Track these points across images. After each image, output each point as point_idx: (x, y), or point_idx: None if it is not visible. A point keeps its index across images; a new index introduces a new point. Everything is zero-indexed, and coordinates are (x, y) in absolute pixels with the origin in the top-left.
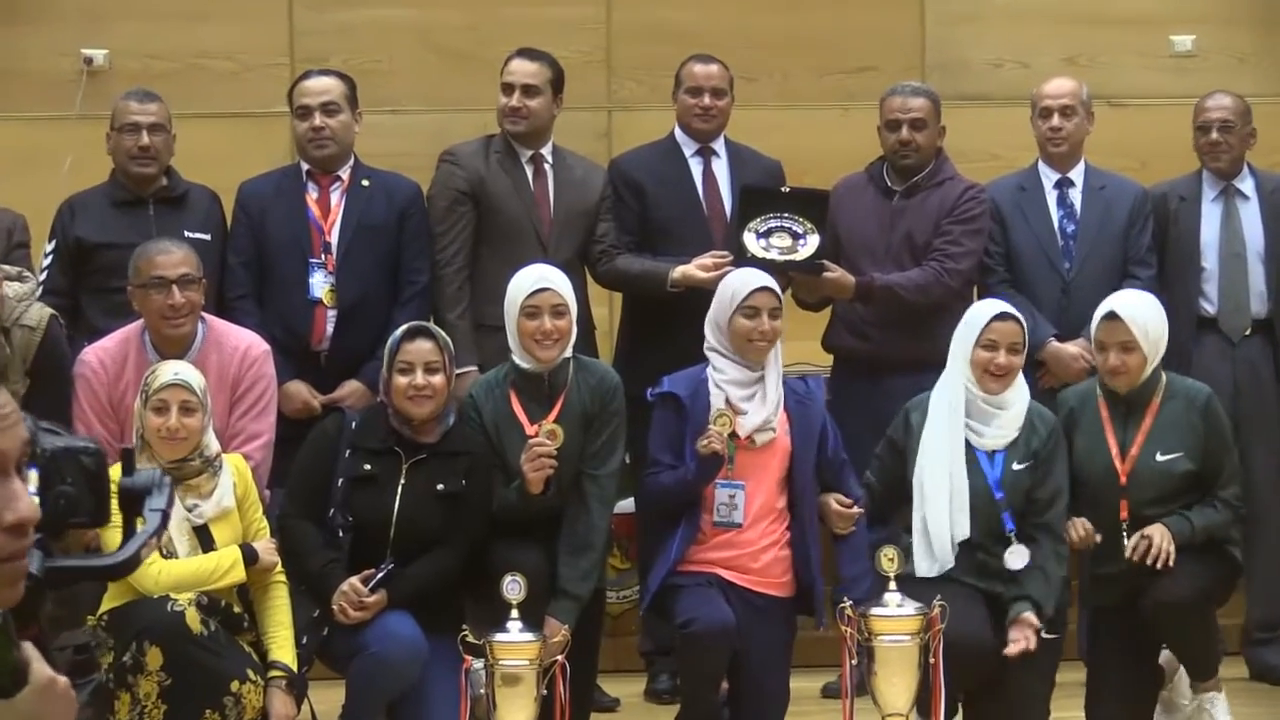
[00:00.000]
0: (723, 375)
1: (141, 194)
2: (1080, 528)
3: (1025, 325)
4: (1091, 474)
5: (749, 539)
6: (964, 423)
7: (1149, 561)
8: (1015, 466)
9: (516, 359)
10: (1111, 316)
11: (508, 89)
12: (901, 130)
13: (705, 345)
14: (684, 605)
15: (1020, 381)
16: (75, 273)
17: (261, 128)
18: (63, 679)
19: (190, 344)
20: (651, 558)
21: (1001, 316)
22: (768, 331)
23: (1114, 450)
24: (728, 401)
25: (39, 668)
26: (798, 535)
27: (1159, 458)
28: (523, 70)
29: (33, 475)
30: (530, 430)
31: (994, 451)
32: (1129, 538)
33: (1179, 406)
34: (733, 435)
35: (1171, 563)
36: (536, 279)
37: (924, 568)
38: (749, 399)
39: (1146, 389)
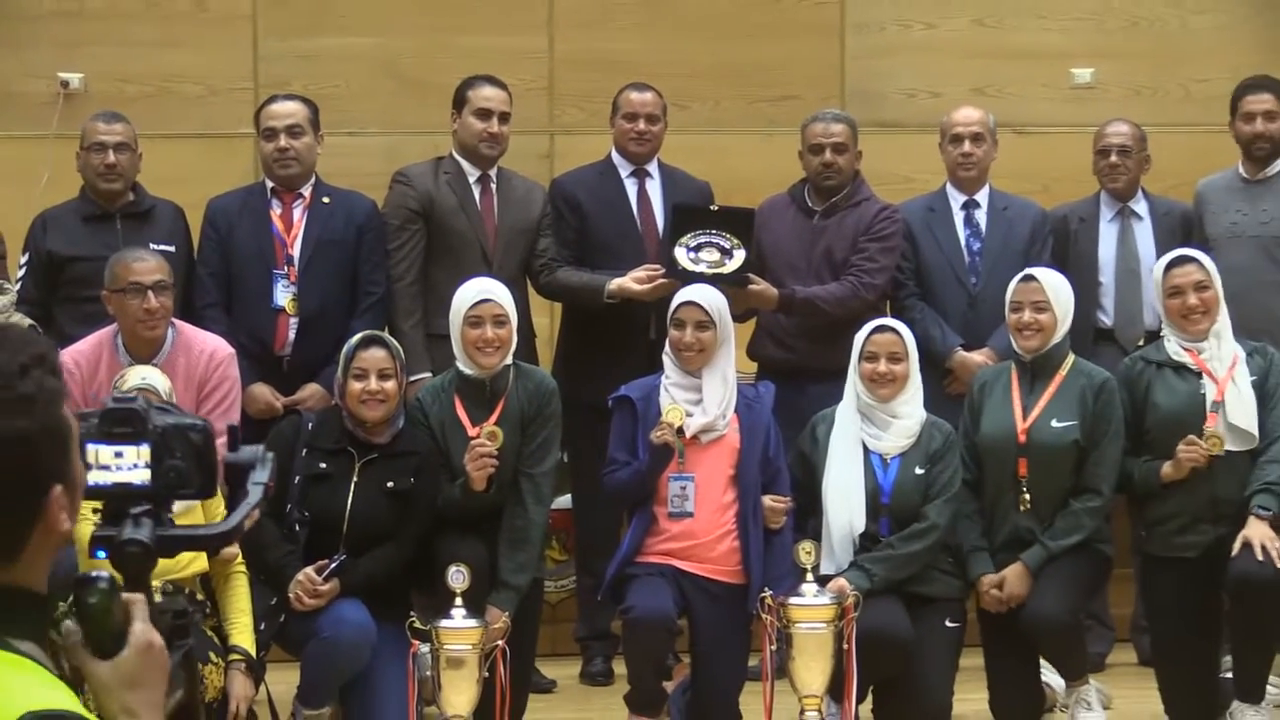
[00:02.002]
0: (669, 380)
1: (109, 209)
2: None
3: (905, 335)
4: (996, 432)
5: (702, 529)
6: (860, 427)
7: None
8: (917, 471)
9: (460, 365)
10: (1027, 278)
11: (484, 114)
12: (824, 154)
13: (663, 352)
14: (630, 594)
15: (914, 395)
16: (48, 284)
17: (228, 148)
18: (159, 640)
19: (160, 347)
20: (600, 547)
21: (880, 329)
22: (692, 342)
23: (1018, 413)
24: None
25: (141, 628)
26: (741, 527)
27: (1054, 424)
28: (499, 98)
29: (145, 450)
30: (472, 432)
31: (890, 457)
32: (1027, 492)
33: (1080, 382)
34: (680, 432)
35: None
36: (479, 291)
37: (825, 565)
38: (693, 404)
39: (1054, 359)
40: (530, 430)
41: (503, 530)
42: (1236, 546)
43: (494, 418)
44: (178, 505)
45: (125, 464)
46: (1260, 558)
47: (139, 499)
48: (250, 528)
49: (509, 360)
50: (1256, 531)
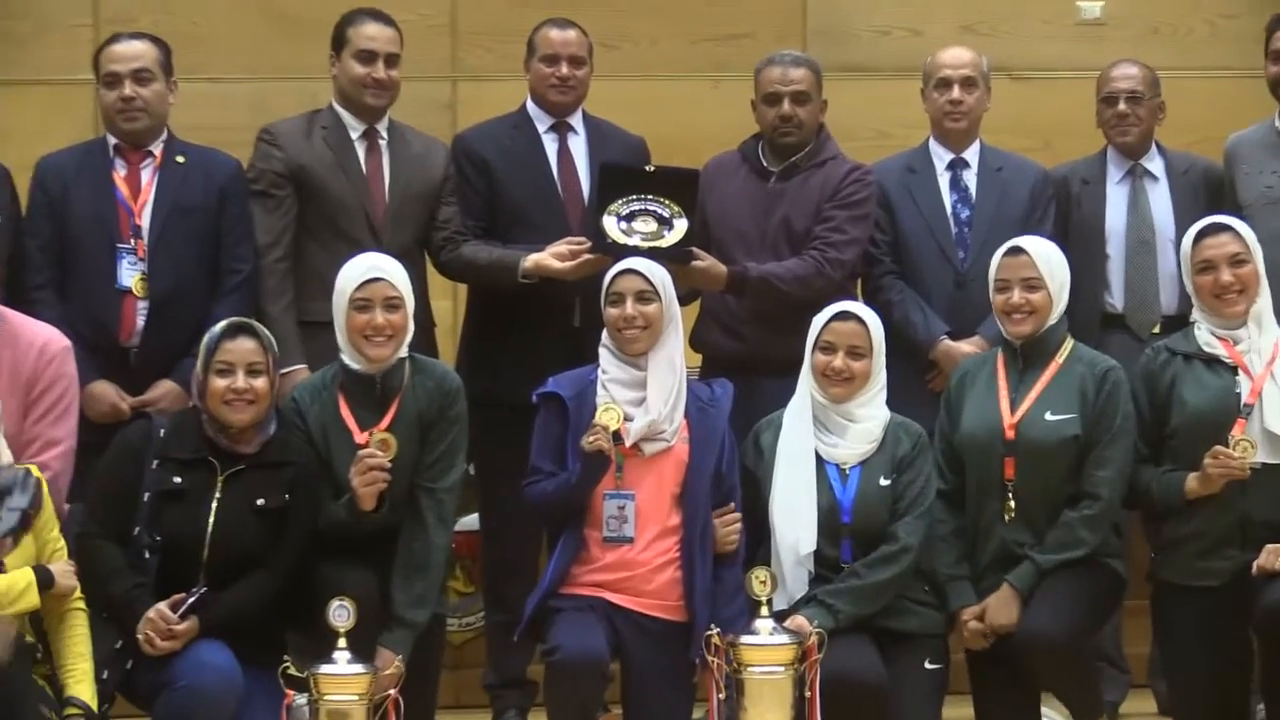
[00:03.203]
0: (607, 375)
1: None
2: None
3: (872, 326)
4: (979, 429)
5: (642, 558)
6: (812, 432)
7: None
8: (881, 483)
9: (345, 358)
10: (1015, 251)
11: (368, 57)
12: (782, 104)
13: (600, 342)
14: (555, 632)
15: (876, 395)
16: None
17: (62, 97)
18: None
19: None
20: (514, 577)
21: (841, 316)
22: (633, 317)
23: (1004, 406)
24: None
25: None
26: (687, 556)
27: (1048, 417)
28: (385, 36)
29: None
30: (360, 439)
31: (848, 467)
32: (1013, 498)
33: (1080, 370)
34: (618, 439)
35: None
36: (367, 268)
37: (776, 598)
38: (636, 403)
39: (1048, 344)
40: (430, 437)
41: (398, 556)
42: (1255, 570)
43: (386, 422)
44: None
45: None
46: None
47: None
48: (82, 556)
49: (403, 352)
50: (1273, 556)
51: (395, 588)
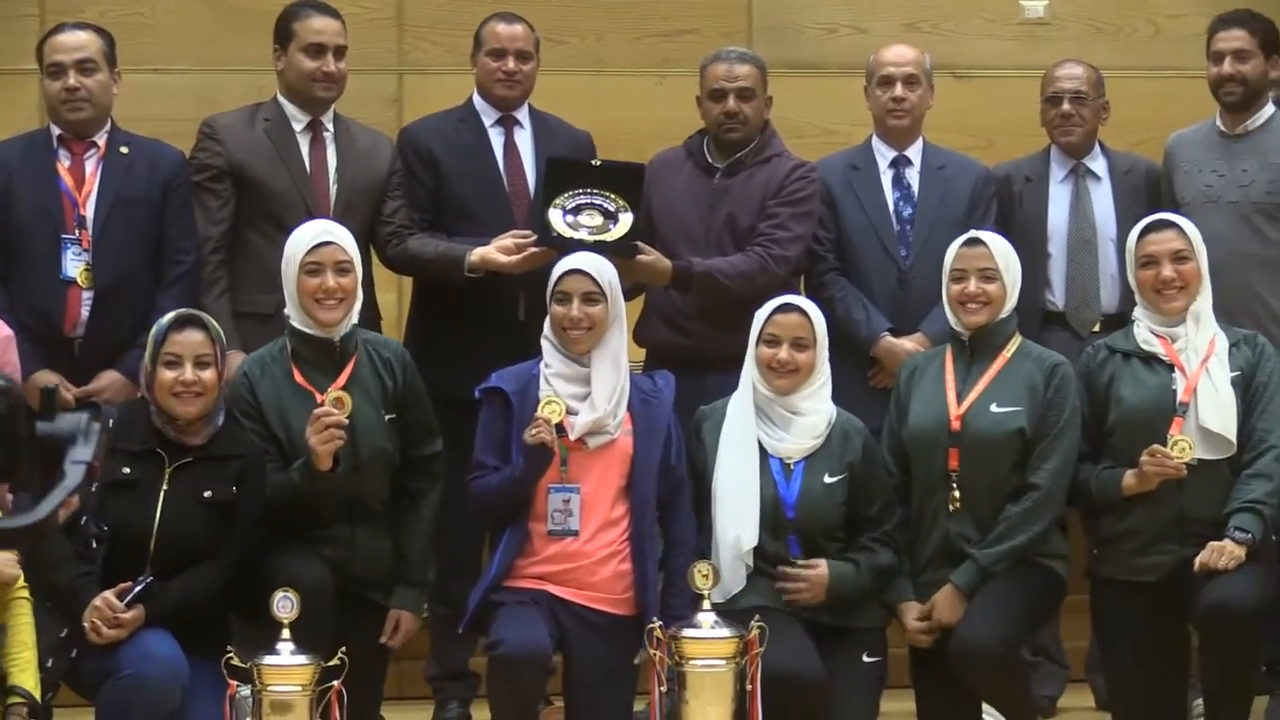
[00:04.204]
0: (550, 369)
1: None
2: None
3: (815, 318)
4: (926, 421)
5: (587, 549)
6: (755, 424)
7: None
8: (826, 480)
9: (296, 323)
10: (974, 242)
11: (316, 50)
12: (727, 101)
13: (542, 335)
14: (498, 625)
15: (821, 389)
16: None
17: (7, 87)
18: None
19: None
20: (458, 569)
21: (785, 309)
22: (579, 318)
23: (951, 398)
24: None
25: None
26: (636, 549)
27: (994, 409)
28: (333, 29)
29: None
30: (319, 400)
31: (793, 462)
32: (958, 489)
33: (1027, 365)
34: (561, 432)
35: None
36: (318, 233)
37: (714, 594)
38: (580, 398)
39: (997, 338)
40: (406, 411)
41: (401, 526)
42: (1197, 566)
43: (341, 381)
44: None
45: None
46: (1221, 563)
47: None
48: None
49: (354, 318)
50: (1222, 551)
51: (404, 552)
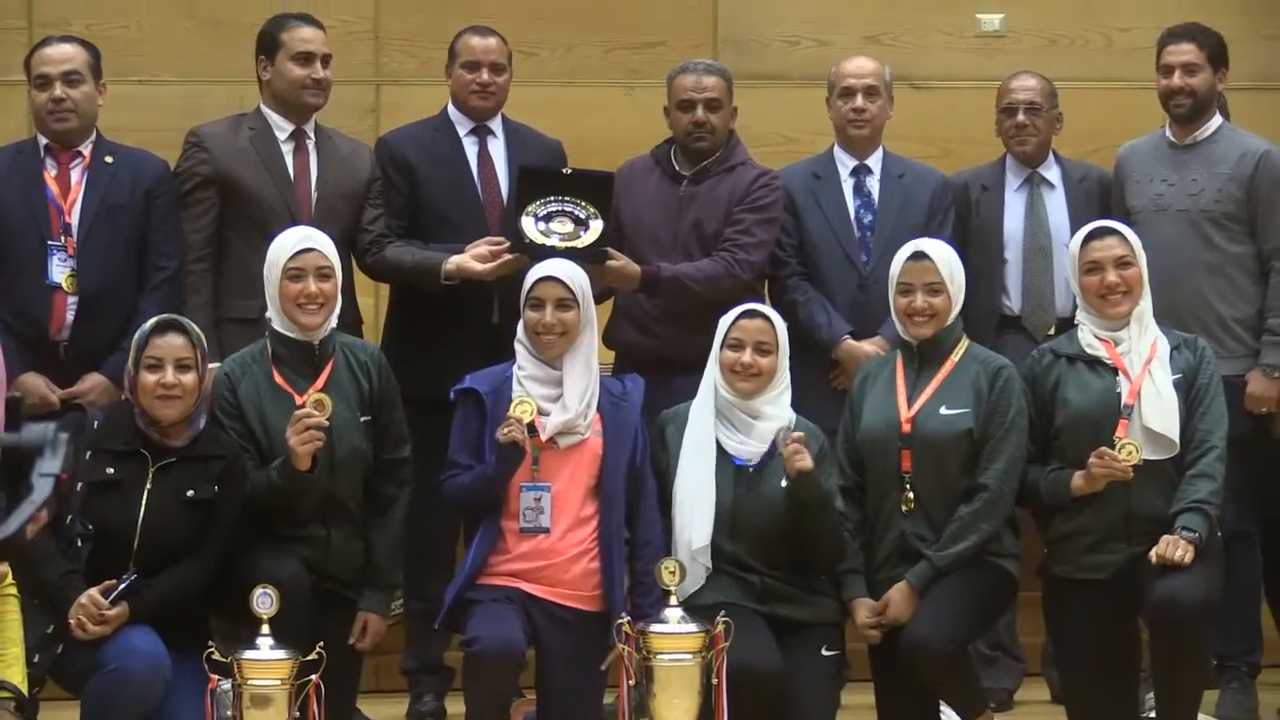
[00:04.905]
0: (523, 371)
1: None
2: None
3: (777, 324)
4: (878, 425)
5: (558, 547)
6: (714, 426)
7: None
8: (783, 483)
9: (277, 326)
10: (919, 256)
11: (306, 59)
12: (696, 111)
13: (515, 338)
14: (474, 623)
15: (781, 395)
16: None
17: None
18: None
19: None
20: (431, 566)
21: (748, 314)
22: (552, 324)
23: (902, 401)
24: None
25: None
26: (604, 546)
27: (943, 411)
28: (319, 38)
29: None
30: (299, 401)
31: (752, 466)
32: (911, 490)
33: (974, 368)
34: (532, 432)
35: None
36: (300, 239)
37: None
38: (551, 399)
39: (945, 343)
40: (379, 413)
41: (370, 530)
42: (1154, 558)
43: (320, 383)
44: None
45: None
46: (1176, 555)
47: None
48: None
49: (334, 323)
50: (1177, 543)
51: (373, 556)
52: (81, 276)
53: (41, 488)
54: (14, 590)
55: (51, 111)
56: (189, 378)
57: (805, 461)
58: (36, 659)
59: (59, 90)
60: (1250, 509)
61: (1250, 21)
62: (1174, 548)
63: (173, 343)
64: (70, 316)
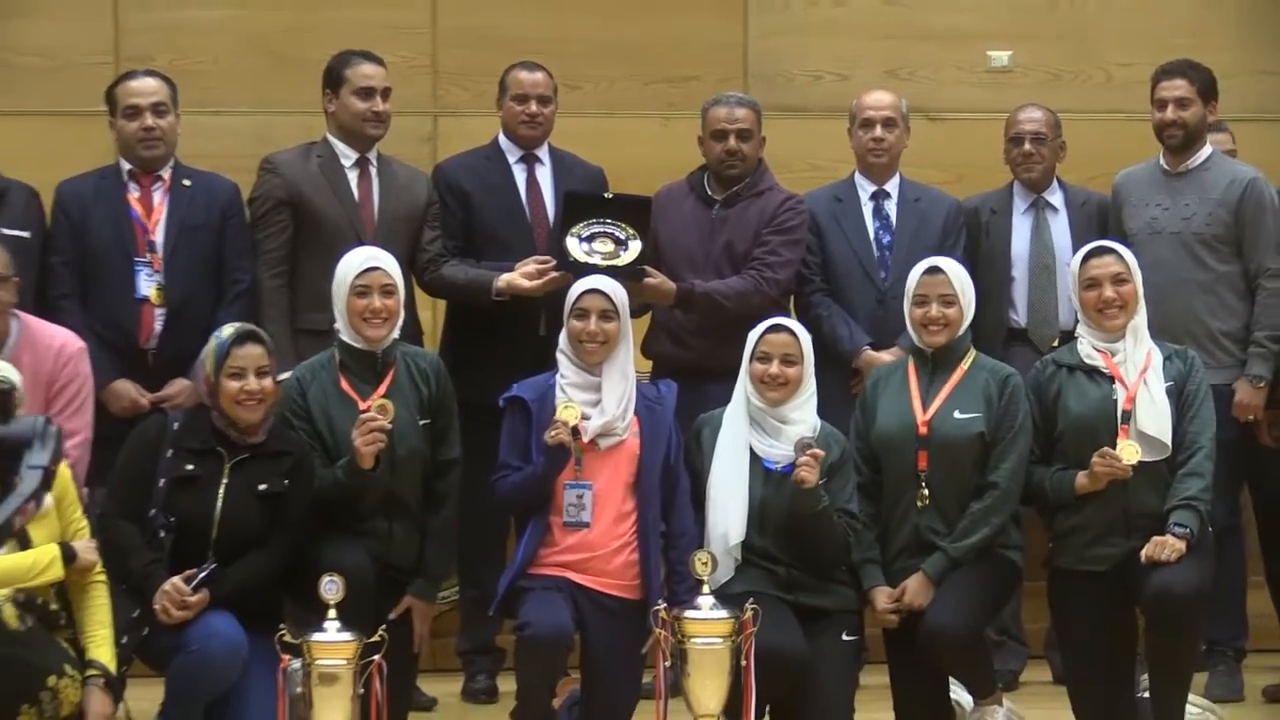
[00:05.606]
0: (566, 379)
1: None
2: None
3: (802, 337)
4: (894, 426)
5: (599, 540)
6: (748, 431)
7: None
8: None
9: (345, 338)
10: (934, 270)
11: (367, 93)
12: (728, 140)
13: (557, 349)
14: (526, 609)
15: (807, 401)
16: None
17: (82, 127)
18: None
19: (3, 343)
20: (484, 557)
21: (775, 329)
22: (595, 333)
23: (917, 404)
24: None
25: None
26: (642, 539)
27: (957, 415)
28: (380, 74)
29: None
30: (364, 406)
31: (781, 467)
32: (927, 487)
33: (983, 375)
34: (575, 435)
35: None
36: (366, 258)
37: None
38: (592, 404)
39: (956, 351)
40: (437, 418)
41: (427, 524)
42: (1144, 558)
43: (382, 390)
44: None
45: None
46: (1164, 556)
47: None
48: (104, 535)
49: (397, 334)
50: (1165, 545)
51: (425, 549)
52: (168, 290)
53: (30, 480)
54: (103, 578)
55: (142, 139)
56: (268, 382)
57: (809, 476)
58: (124, 640)
59: (149, 120)
60: (1237, 507)
61: (1245, 56)
62: (1161, 549)
63: (253, 352)
64: (158, 327)
